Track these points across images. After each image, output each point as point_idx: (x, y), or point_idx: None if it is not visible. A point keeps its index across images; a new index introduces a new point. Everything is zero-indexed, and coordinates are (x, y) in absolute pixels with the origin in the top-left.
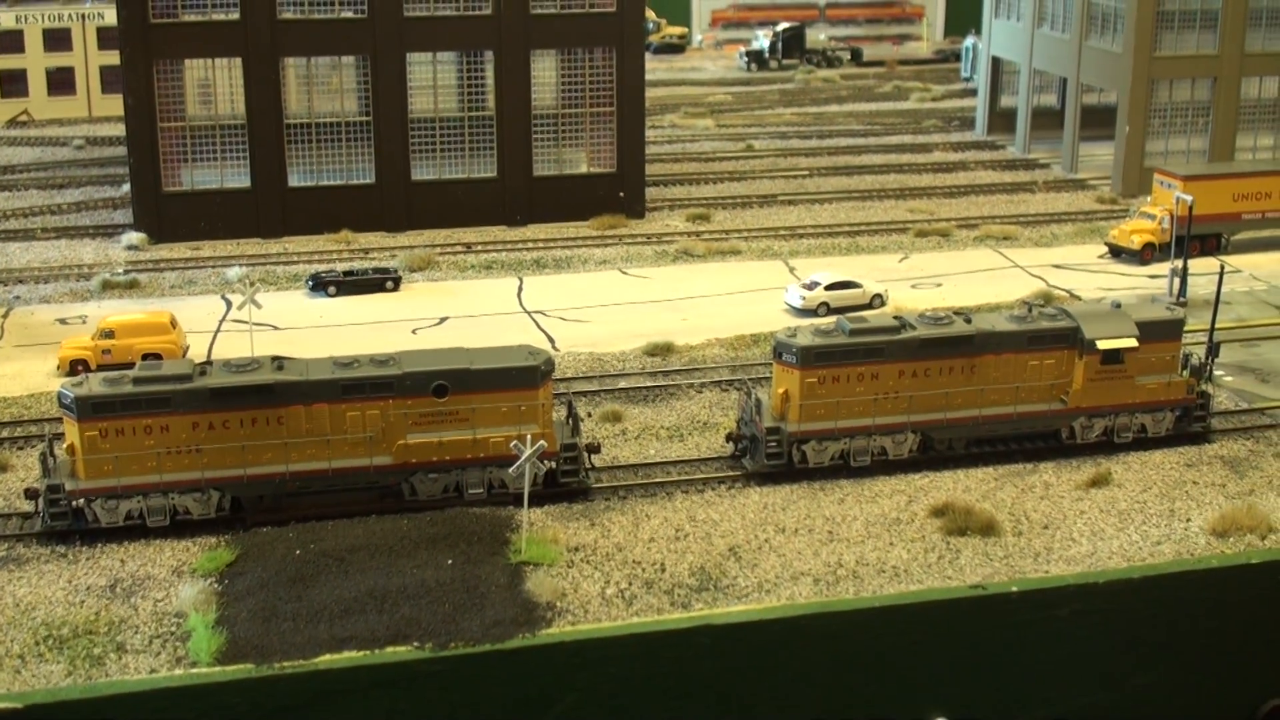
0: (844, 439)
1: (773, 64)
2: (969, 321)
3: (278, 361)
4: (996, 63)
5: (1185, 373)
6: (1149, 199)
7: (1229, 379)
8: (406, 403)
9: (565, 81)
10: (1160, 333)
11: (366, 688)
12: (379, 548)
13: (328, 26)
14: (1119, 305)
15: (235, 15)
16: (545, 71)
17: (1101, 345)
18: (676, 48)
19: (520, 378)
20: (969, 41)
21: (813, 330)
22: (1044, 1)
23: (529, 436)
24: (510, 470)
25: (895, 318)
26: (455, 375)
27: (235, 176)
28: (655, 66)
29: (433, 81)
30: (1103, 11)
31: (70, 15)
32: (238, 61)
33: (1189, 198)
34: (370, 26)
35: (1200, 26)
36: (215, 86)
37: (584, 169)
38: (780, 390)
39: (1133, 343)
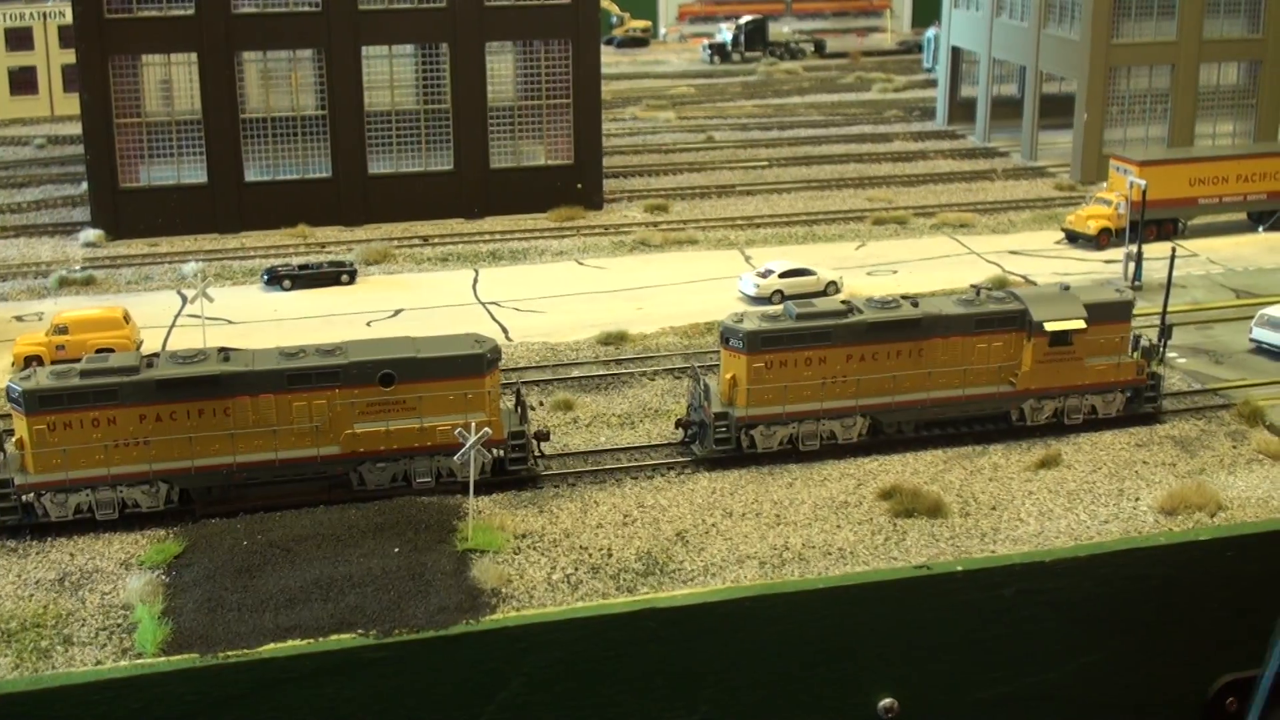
0: (792, 423)
1: (736, 56)
2: (916, 305)
3: (224, 353)
4: (957, 52)
5: (1136, 354)
6: (1106, 185)
7: (1182, 361)
8: (353, 392)
9: (521, 74)
10: (1109, 314)
11: (310, 675)
12: (326, 537)
13: (282, 20)
14: (1068, 288)
15: (190, 10)
16: (501, 64)
17: (1049, 327)
18: (641, 41)
19: (466, 366)
20: (930, 32)
21: (760, 315)
22: None
23: (473, 424)
24: (455, 458)
25: (843, 302)
26: (401, 364)
27: (192, 172)
28: (619, 60)
29: (389, 74)
30: (1060, 0)
31: (32, 14)
32: (193, 57)
33: (1143, 183)
34: (324, 19)
35: (1158, 14)
36: (171, 82)
37: (541, 161)
38: (728, 375)
39: (1081, 324)
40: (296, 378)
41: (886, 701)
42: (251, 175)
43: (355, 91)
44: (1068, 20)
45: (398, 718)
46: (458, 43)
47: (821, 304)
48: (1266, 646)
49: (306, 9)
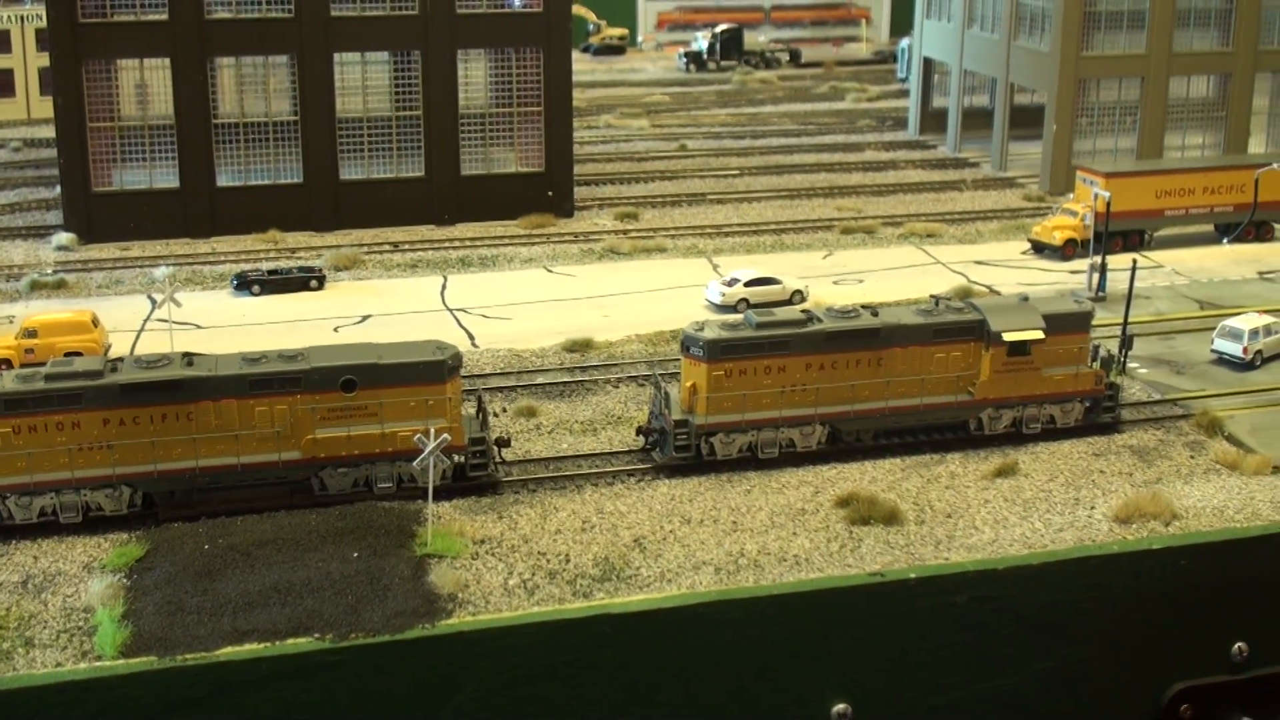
0: (752, 431)
1: (711, 65)
2: (876, 315)
3: (187, 358)
4: (929, 63)
5: (1095, 365)
6: (1072, 196)
7: (1143, 371)
8: (314, 398)
9: (493, 81)
10: (1068, 325)
11: (266, 679)
12: (286, 541)
13: (255, 26)
14: (1026, 298)
15: (164, 15)
16: (473, 71)
17: (1007, 337)
18: (617, 49)
19: (427, 372)
20: (904, 42)
21: (720, 324)
22: (974, 2)
23: (432, 430)
24: (414, 464)
25: (802, 311)
26: (363, 370)
27: (164, 177)
28: (595, 68)
29: (361, 81)
30: (1031, 12)
31: (9, 17)
32: (166, 62)
33: (1107, 194)
34: (297, 26)
35: (1128, 27)
36: (144, 87)
37: (512, 168)
38: (688, 384)
39: (1039, 335)
40: (258, 383)
41: (840, 707)
42: (223, 180)
43: (327, 97)
44: (1038, 32)
45: None
46: (429, 50)
47: (781, 313)
48: (1221, 654)
49: (279, 15)
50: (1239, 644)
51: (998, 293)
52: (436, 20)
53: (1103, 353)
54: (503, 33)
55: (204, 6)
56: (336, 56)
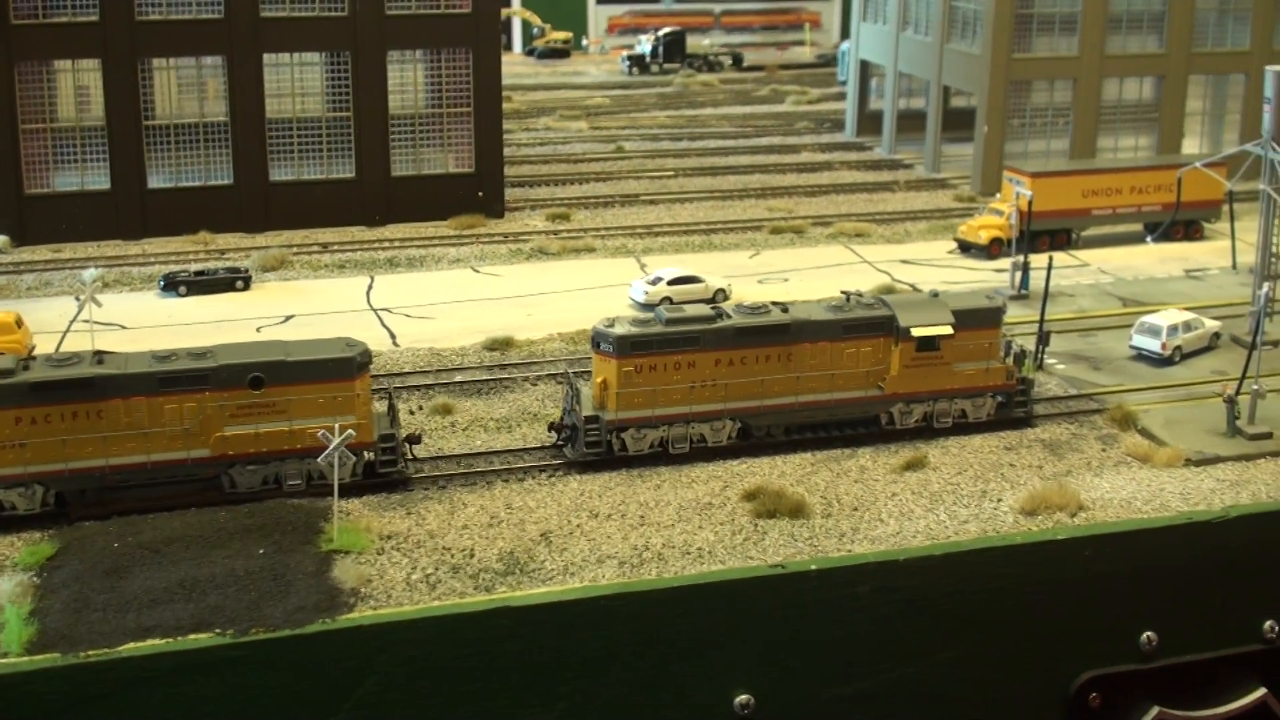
0: (662, 426)
1: (654, 68)
2: (786, 311)
3: (98, 356)
4: (865, 66)
5: (1008, 360)
6: (999, 196)
7: (1061, 367)
8: (223, 395)
9: (423, 82)
10: (978, 321)
11: (169, 674)
12: (194, 539)
13: (186, 27)
14: (937, 294)
15: (94, 17)
16: (403, 72)
17: (916, 333)
18: (561, 52)
19: (336, 369)
20: (844, 46)
21: (630, 320)
22: (908, 5)
23: (337, 427)
24: (319, 460)
25: (713, 307)
26: (271, 367)
27: (96, 179)
28: (538, 71)
29: (290, 82)
30: (963, 15)
31: None
32: (97, 63)
33: (1029, 194)
34: (227, 27)
35: (1060, 30)
36: (77, 88)
37: (443, 169)
38: (599, 380)
39: (948, 330)
40: (167, 380)
41: (743, 698)
42: (154, 182)
43: (257, 99)
44: (970, 35)
45: (256, 715)
46: (359, 51)
47: (691, 309)
48: (1130, 643)
49: (209, 16)
50: (1148, 633)
51: (919, 290)
52: (365, 21)
53: (1015, 348)
54: (432, 34)
55: (135, 8)
56: (269, 58)
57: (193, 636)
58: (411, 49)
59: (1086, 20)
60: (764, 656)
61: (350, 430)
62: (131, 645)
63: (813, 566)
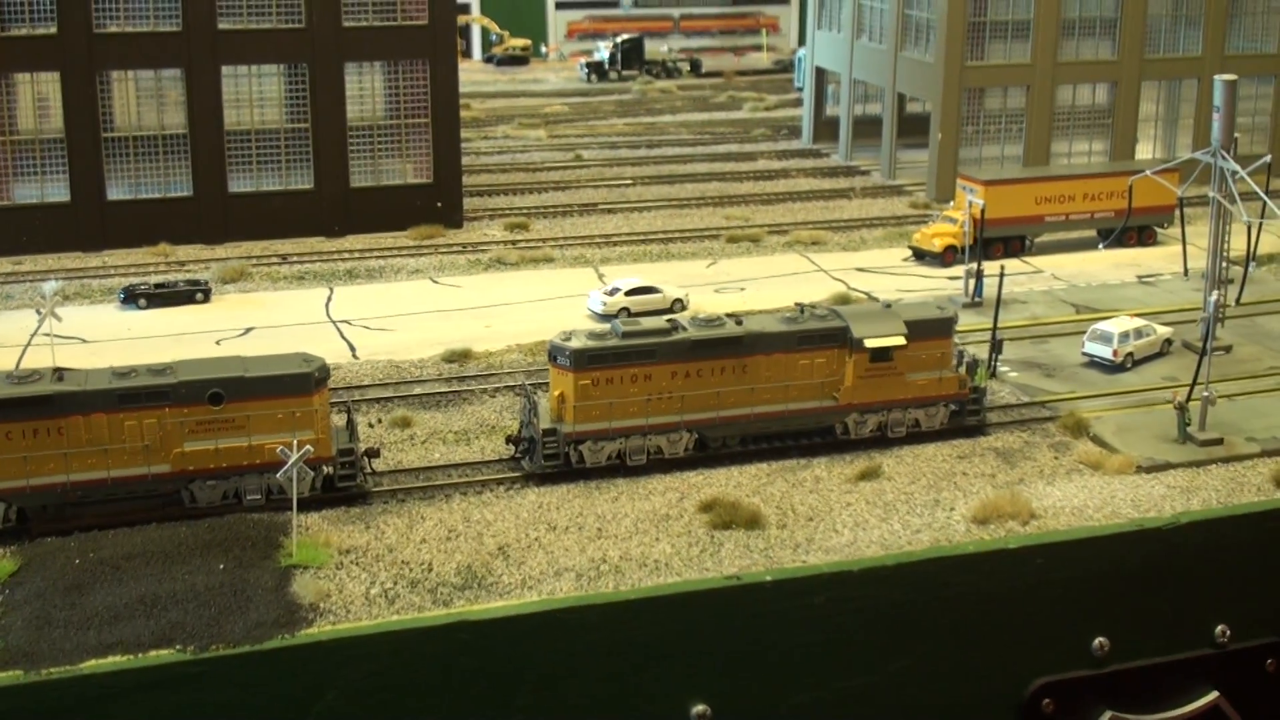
0: (619, 439)
1: (612, 75)
2: (740, 323)
3: (58, 373)
4: (821, 73)
5: (960, 369)
6: (953, 203)
7: (1013, 374)
8: (183, 411)
9: (380, 93)
10: (930, 331)
11: (130, 691)
12: (155, 554)
13: (144, 39)
14: (889, 305)
15: (53, 29)
16: (360, 83)
17: (869, 343)
18: (520, 59)
19: (294, 384)
20: (800, 52)
21: (587, 333)
22: (862, 13)
23: (295, 442)
24: (278, 475)
25: (668, 320)
26: (230, 383)
27: (55, 190)
28: (497, 78)
29: (249, 93)
30: (917, 23)
31: None
32: (56, 75)
33: (981, 201)
34: (185, 39)
35: (1013, 37)
36: (36, 100)
37: (401, 180)
38: (556, 392)
39: (901, 340)
40: (127, 397)
41: (700, 709)
42: (114, 194)
43: (215, 110)
44: (923, 43)
45: None
46: (316, 62)
47: (647, 322)
48: (1082, 649)
49: (167, 28)
50: (1100, 639)
51: (875, 299)
52: (322, 33)
53: (968, 357)
54: (388, 45)
55: (93, 20)
56: (227, 69)
57: (153, 653)
58: (369, 60)
59: (1039, 27)
60: (721, 667)
61: (308, 446)
62: (93, 662)
63: (768, 577)
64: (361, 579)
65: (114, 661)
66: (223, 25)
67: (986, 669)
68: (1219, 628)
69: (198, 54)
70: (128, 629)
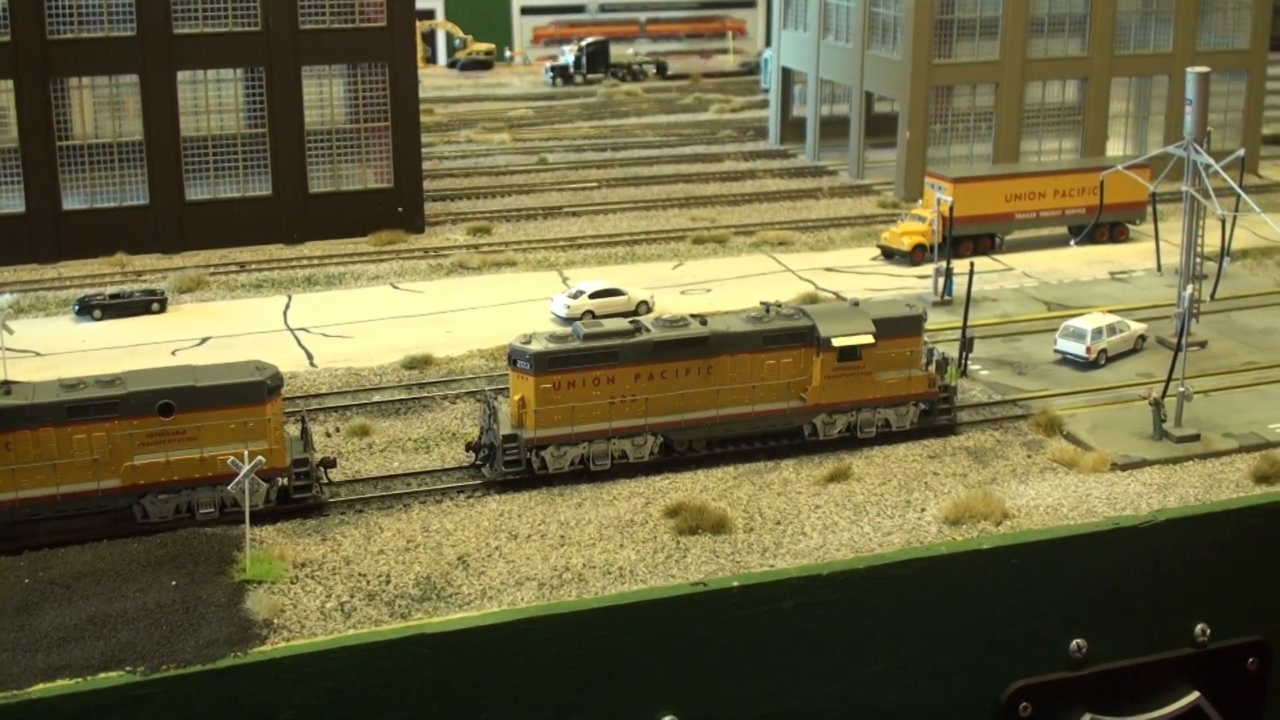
0: (582, 443)
1: (578, 78)
2: (705, 324)
3: (5, 386)
4: (787, 73)
5: (930, 367)
6: (921, 202)
7: (985, 373)
8: (132, 423)
9: (339, 97)
10: (899, 329)
11: (79, 714)
12: (106, 572)
13: (98, 45)
14: (857, 303)
15: (5, 37)
16: (319, 87)
17: (837, 343)
18: (484, 64)
19: (246, 394)
20: (766, 53)
21: (547, 336)
22: (829, 12)
23: (246, 453)
24: (229, 487)
25: (631, 321)
26: (180, 393)
27: (10, 201)
28: (461, 83)
29: (205, 99)
30: (883, 21)
31: None
32: (9, 84)
33: (949, 199)
34: (140, 44)
35: (981, 34)
36: None
37: (361, 185)
38: (517, 397)
39: (869, 339)
40: (75, 410)
41: (667, 719)
42: (70, 203)
43: (171, 117)
44: (890, 41)
45: None
46: (273, 67)
47: (609, 324)
48: (1059, 651)
49: (122, 34)
50: (1077, 640)
51: (843, 298)
52: (279, 36)
53: (937, 355)
54: (347, 48)
55: (46, 27)
56: (183, 75)
57: (102, 675)
58: (327, 64)
59: (1007, 24)
60: (687, 676)
61: (260, 457)
62: (41, 686)
63: (735, 583)
64: (317, 593)
65: (62, 685)
66: (178, 30)
67: (961, 673)
68: (1199, 627)
69: (153, 59)
70: (77, 651)
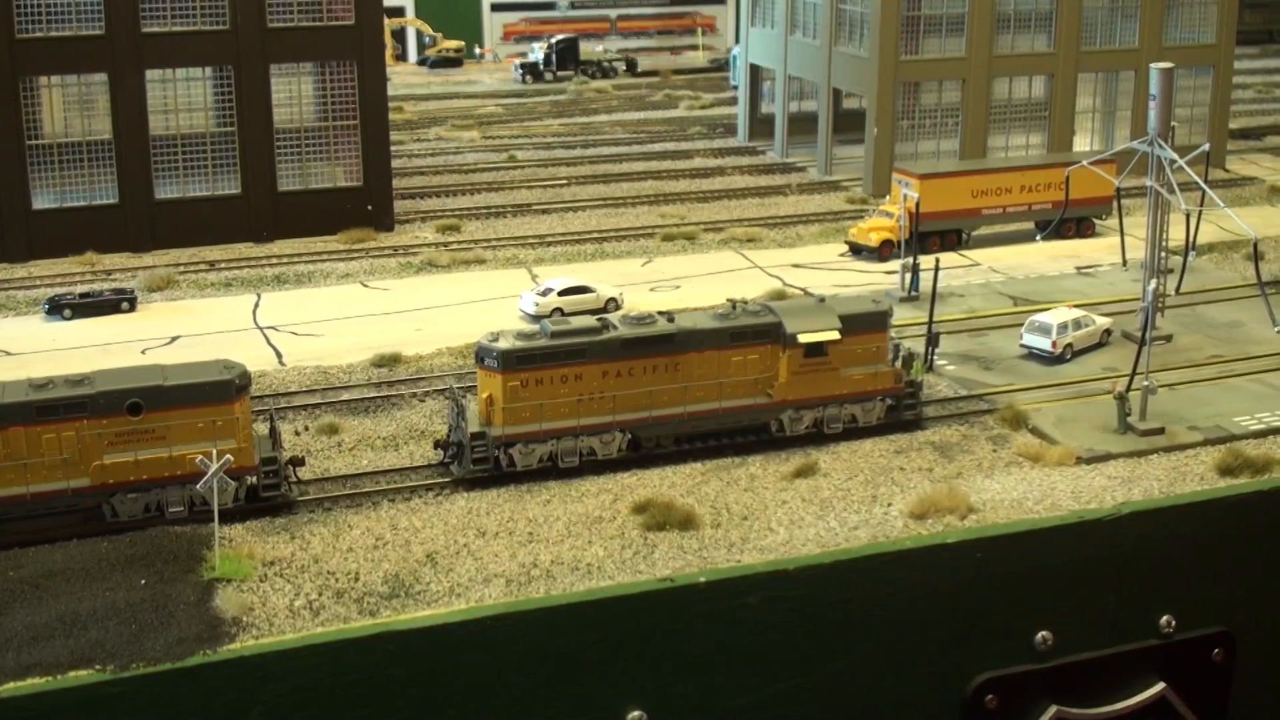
0: (550, 441)
1: (547, 76)
2: (672, 321)
3: None
4: (755, 70)
5: (896, 363)
6: (889, 198)
7: (951, 368)
8: (101, 422)
9: (308, 95)
10: (865, 325)
11: (50, 714)
12: (76, 571)
13: (67, 44)
14: (823, 300)
15: None
16: (288, 86)
17: (803, 339)
18: (454, 61)
19: (214, 392)
20: (735, 50)
21: (515, 334)
22: (796, 9)
23: (214, 452)
24: (197, 486)
25: (598, 319)
26: (149, 392)
27: None
28: (430, 80)
29: (174, 98)
30: (850, 18)
31: None
32: None
33: (915, 195)
34: (108, 43)
35: (947, 31)
36: None
37: (330, 183)
38: (484, 395)
39: (835, 335)
40: (44, 409)
41: (635, 715)
42: (40, 203)
43: (140, 115)
44: (858, 38)
45: None
46: (242, 65)
47: (576, 321)
48: (1025, 643)
49: (90, 33)
50: (1042, 633)
51: (811, 295)
52: (247, 35)
53: (903, 351)
54: (315, 47)
55: (14, 25)
56: (152, 74)
57: (72, 674)
58: (295, 62)
59: (974, 21)
60: (655, 671)
61: (228, 455)
62: (10, 686)
63: (701, 579)
64: (286, 591)
65: (31, 684)
66: (147, 29)
67: (928, 666)
68: (1164, 618)
69: (122, 58)
70: (47, 650)
